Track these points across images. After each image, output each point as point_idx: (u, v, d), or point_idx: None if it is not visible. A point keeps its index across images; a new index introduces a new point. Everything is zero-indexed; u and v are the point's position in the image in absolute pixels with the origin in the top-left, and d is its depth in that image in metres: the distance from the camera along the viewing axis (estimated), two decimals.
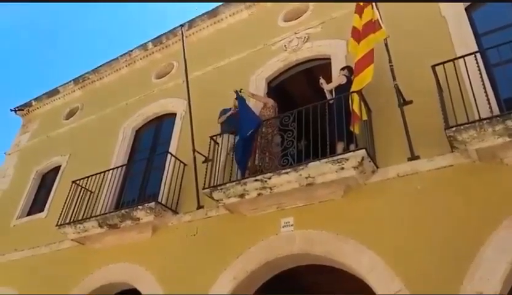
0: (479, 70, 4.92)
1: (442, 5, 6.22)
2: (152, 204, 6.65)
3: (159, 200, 6.87)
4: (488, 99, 4.73)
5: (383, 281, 4.60)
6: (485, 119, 4.49)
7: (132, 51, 10.59)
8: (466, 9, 6.11)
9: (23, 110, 12.25)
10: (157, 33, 10.41)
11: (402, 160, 5.18)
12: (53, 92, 11.79)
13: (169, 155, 7.31)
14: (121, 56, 10.76)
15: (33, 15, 33.69)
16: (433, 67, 5.00)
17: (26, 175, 10.23)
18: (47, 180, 9.96)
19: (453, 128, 4.60)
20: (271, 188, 5.59)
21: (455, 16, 6.05)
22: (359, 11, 5.61)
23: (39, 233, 8.44)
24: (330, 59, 6.97)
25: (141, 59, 10.49)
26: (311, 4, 8.01)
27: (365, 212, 5.14)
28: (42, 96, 11.99)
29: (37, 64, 35.09)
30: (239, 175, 6.15)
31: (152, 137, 8.89)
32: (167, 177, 7.17)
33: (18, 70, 34.43)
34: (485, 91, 4.79)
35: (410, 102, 5.47)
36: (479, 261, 4.20)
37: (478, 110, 4.71)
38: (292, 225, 5.54)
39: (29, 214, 9.46)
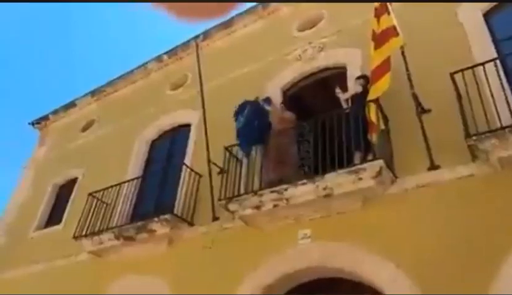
0: (499, 77, 4.82)
1: (459, 11, 6.12)
2: (168, 216, 6.63)
3: (175, 211, 6.86)
4: (509, 107, 4.63)
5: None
6: (507, 127, 4.39)
7: (147, 63, 10.67)
8: (484, 15, 6.01)
9: (40, 123, 12.42)
10: (172, 45, 10.47)
11: (422, 169, 5.07)
12: (70, 105, 11.93)
13: (184, 167, 7.31)
14: (136, 68, 10.85)
15: (47, 30, 34.44)
16: (452, 74, 4.91)
17: (44, 187, 10.33)
18: (63, 193, 10.04)
19: (474, 137, 4.50)
20: (287, 199, 5.53)
21: (473, 22, 5.95)
22: (377, 16, 5.55)
23: (56, 246, 8.49)
24: (345, 68, 6.91)
25: (155, 71, 10.57)
26: (325, 13, 7.98)
27: (384, 223, 5.04)
28: (59, 109, 12.13)
29: (52, 77, 35.78)
30: (255, 185, 6.09)
31: (168, 148, 8.92)
32: (182, 188, 7.16)
33: (33, 84, 35.14)
34: (506, 98, 4.69)
35: (429, 110, 5.38)
36: (503, 273, 4.07)
37: (499, 118, 4.60)
38: (309, 237, 5.46)
39: (46, 226, 9.54)
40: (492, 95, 4.76)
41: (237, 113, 6.94)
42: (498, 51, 5.52)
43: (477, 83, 4.81)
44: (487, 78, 4.81)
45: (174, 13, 0.47)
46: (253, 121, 6.58)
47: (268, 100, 6.90)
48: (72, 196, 9.44)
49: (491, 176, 4.63)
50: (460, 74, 4.89)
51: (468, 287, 4.16)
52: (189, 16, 0.47)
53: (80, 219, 7.74)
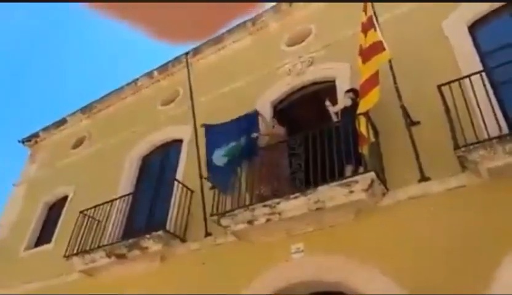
0: (486, 89, 4.90)
1: (445, 25, 6.24)
2: (160, 232, 6.58)
3: (167, 227, 6.81)
4: (496, 118, 4.70)
5: None
6: (495, 138, 4.45)
7: (137, 79, 10.69)
8: (469, 28, 6.13)
9: (30, 141, 12.31)
10: (163, 61, 10.53)
11: (413, 181, 5.11)
12: (61, 122, 11.87)
13: (176, 182, 7.28)
14: (127, 84, 10.86)
15: (38, 47, 34.39)
16: (439, 87, 4.99)
17: (34, 206, 10.21)
18: (54, 211, 9.93)
19: (463, 148, 4.55)
20: (279, 213, 5.52)
21: (458, 36, 6.06)
22: (364, 31, 5.63)
23: (46, 265, 8.36)
24: (334, 81, 6.99)
25: (146, 87, 10.58)
26: (313, 28, 8.09)
27: (377, 235, 5.05)
28: (50, 126, 12.05)
29: (43, 94, 35.63)
30: (246, 201, 6.08)
31: (159, 164, 8.88)
32: (174, 204, 7.13)
33: (23, 101, 34.96)
34: (493, 110, 4.77)
35: (418, 122, 5.44)
36: (496, 281, 4.08)
37: (487, 129, 4.67)
38: (302, 251, 5.44)
39: (36, 245, 9.41)
40: (479, 107, 4.84)
41: (213, 143, 6.63)
42: (483, 64, 5.63)
43: (464, 96, 4.89)
44: (473, 91, 4.89)
45: (156, 34, 0.46)
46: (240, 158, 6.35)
47: (256, 114, 6.90)
48: (62, 214, 9.33)
49: (480, 187, 4.67)
50: (447, 86, 4.97)
51: None
52: (171, 38, 0.47)
53: (71, 238, 7.64)
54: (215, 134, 6.74)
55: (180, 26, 0.46)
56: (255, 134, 6.51)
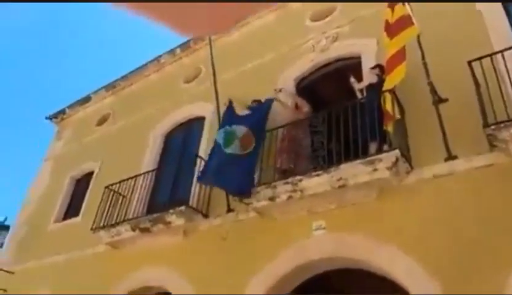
0: None
1: None
2: (183, 208, 6.68)
3: (190, 203, 6.90)
4: None
5: (420, 286, 4.45)
6: None
7: (160, 57, 10.71)
8: (502, 2, 5.86)
9: (57, 117, 12.60)
10: (185, 38, 10.49)
11: (439, 160, 5.00)
12: (86, 99, 12.06)
13: (198, 159, 7.34)
14: (150, 62, 10.90)
15: (64, 26, 34.82)
16: (469, 63, 4.81)
17: (61, 181, 10.50)
18: (81, 185, 10.20)
19: (493, 126, 4.42)
20: (301, 191, 5.51)
21: (491, 9, 5.81)
22: (391, 6, 5.46)
23: (74, 238, 8.64)
24: (360, 58, 6.83)
25: (169, 64, 10.60)
26: (338, 3, 7.89)
27: (400, 214, 4.99)
28: (75, 103, 12.27)
29: (68, 72, 36.24)
30: (269, 177, 6.08)
31: (182, 141, 8.96)
32: (197, 180, 7.19)
33: (49, 79, 35.65)
34: None
35: (446, 100, 5.28)
36: None
37: None
38: (324, 229, 5.44)
39: (64, 218, 9.72)
40: (511, 83, 4.66)
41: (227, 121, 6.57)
42: None
43: (495, 72, 4.71)
44: (506, 67, 4.70)
45: (171, 25, 0.45)
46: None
47: (278, 91, 6.82)
48: (89, 189, 9.58)
49: (509, 166, 4.54)
50: (478, 62, 4.79)
51: (485, 279, 4.10)
52: (186, 30, 0.46)
53: (97, 212, 7.85)
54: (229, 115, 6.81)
55: (197, 20, 0.44)
56: (278, 88, 6.53)
